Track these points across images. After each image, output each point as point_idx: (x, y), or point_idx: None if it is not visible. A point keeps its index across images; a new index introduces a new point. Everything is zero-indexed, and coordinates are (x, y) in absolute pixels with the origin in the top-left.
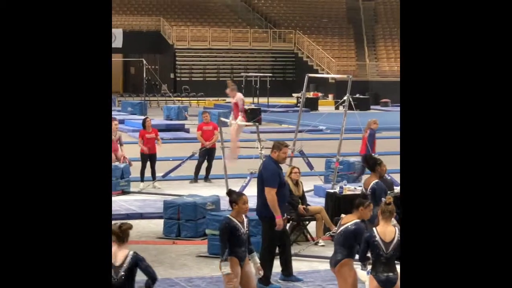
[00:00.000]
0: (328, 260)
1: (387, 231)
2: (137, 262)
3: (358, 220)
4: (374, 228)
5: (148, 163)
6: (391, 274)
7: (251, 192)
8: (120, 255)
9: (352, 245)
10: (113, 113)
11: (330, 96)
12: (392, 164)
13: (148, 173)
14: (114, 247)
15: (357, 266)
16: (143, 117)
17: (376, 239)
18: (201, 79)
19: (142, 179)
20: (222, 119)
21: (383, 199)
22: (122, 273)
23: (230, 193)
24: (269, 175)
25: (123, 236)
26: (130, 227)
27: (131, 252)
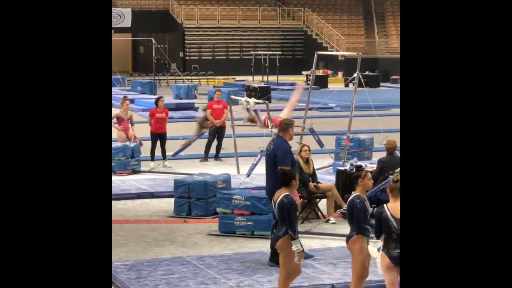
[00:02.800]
0: (339, 237)
1: (398, 207)
2: None
3: (357, 193)
4: (384, 205)
5: (158, 143)
6: None
7: (261, 170)
8: None
9: (358, 219)
10: (123, 92)
11: (340, 74)
12: None
13: (158, 152)
14: None
15: (369, 242)
16: (153, 96)
17: (387, 215)
18: (210, 57)
19: (152, 158)
20: (233, 96)
21: (390, 176)
22: None
23: (284, 171)
24: (283, 153)
25: None
26: None
27: None
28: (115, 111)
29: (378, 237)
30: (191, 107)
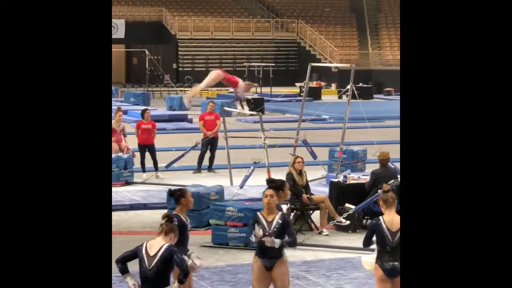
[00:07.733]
0: (333, 249)
1: (394, 220)
2: (171, 255)
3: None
4: (380, 217)
5: (148, 155)
6: (396, 263)
7: (254, 181)
8: (155, 245)
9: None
10: (116, 104)
11: (333, 85)
12: (395, 153)
13: (149, 163)
14: (157, 239)
15: (363, 254)
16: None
17: (383, 228)
18: (204, 69)
19: (143, 169)
20: (226, 108)
21: (379, 191)
22: (153, 264)
23: (273, 181)
24: None
25: (167, 229)
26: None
27: (166, 244)
28: None
29: (365, 246)
30: (184, 118)
